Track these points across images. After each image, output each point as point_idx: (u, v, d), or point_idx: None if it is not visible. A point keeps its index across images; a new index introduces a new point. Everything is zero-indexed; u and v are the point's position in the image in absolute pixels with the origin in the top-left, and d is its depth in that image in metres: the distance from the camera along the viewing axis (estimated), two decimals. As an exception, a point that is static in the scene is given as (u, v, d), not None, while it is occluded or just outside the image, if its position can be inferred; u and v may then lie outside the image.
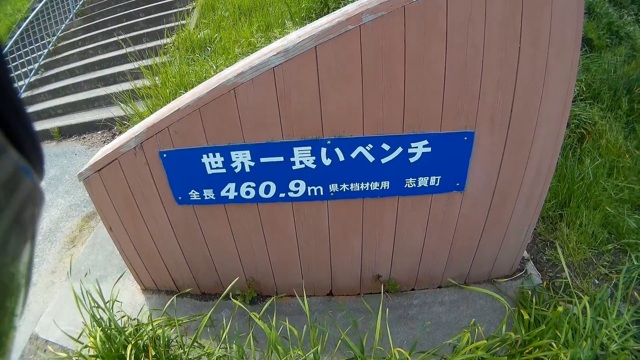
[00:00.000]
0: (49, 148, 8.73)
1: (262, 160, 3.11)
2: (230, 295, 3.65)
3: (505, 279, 4.07)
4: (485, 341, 3.12)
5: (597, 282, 4.14)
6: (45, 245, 5.84)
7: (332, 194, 3.26)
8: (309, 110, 2.89)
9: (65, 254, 5.55)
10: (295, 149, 3.04)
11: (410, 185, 3.22)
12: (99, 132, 8.55)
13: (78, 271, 4.96)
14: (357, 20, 2.58)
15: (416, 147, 3.02)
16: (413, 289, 4.06)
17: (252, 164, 3.13)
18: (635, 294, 3.81)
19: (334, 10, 6.98)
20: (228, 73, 2.93)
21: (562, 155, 4.97)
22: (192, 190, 3.36)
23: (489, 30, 2.64)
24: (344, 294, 4.04)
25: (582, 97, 6.33)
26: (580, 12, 2.71)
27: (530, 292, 3.77)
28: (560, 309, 3.24)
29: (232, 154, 3.10)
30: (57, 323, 4.23)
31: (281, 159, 3.10)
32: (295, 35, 2.80)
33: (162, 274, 4.14)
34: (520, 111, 2.95)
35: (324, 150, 3.04)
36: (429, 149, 3.04)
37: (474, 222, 3.56)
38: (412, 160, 3.08)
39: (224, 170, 3.20)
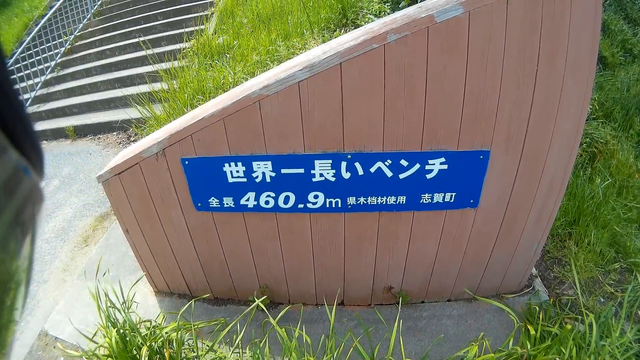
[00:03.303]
0: (63, 146, 8.80)
1: (283, 171, 3.17)
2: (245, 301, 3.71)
3: (513, 295, 4.11)
4: (493, 355, 3.18)
5: (602, 300, 4.17)
6: (57, 243, 5.87)
7: (349, 206, 3.31)
8: (331, 125, 2.95)
9: (78, 252, 5.59)
10: (316, 162, 3.10)
11: (425, 200, 3.27)
12: (114, 133, 8.60)
13: (90, 271, 4.96)
14: (382, 39, 2.64)
15: (433, 164, 3.08)
16: (423, 302, 4.11)
17: (273, 174, 3.19)
18: (639, 312, 3.84)
19: (352, 21, 7.10)
20: (253, 84, 2.99)
21: (573, 174, 5.00)
22: (212, 198, 3.42)
23: (508, 50, 2.70)
24: (355, 304, 4.09)
25: (594, 116, 6.35)
26: (597, 32, 2.78)
27: (537, 308, 3.81)
28: (568, 326, 3.29)
29: (254, 164, 3.16)
30: (67, 321, 4.29)
31: (302, 170, 3.15)
32: (320, 51, 2.85)
33: (176, 277, 4.20)
34: (535, 130, 3.00)
35: (344, 164, 3.09)
36: (445, 166, 3.09)
37: (486, 238, 3.61)
38: (428, 176, 3.14)
39: (244, 180, 3.26)
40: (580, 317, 3.69)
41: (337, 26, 7.46)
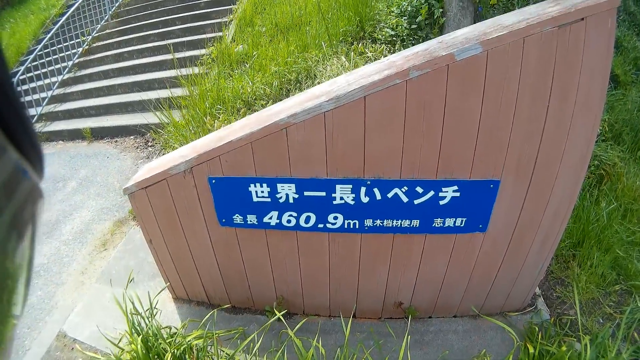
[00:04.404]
0: (80, 148, 8.92)
1: (306, 193, 3.34)
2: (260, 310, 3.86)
3: (516, 313, 4.23)
4: (494, 371, 3.33)
5: (601, 321, 4.27)
6: (75, 246, 5.98)
7: (366, 228, 3.47)
8: (353, 152, 3.11)
9: (96, 256, 5.70)
10: (337, 186, 3.27)
11: (438, 224, 3.43)
12: (132, 137, 8.67)
13: (109, 275, 5.15)
14: (404, 75, 2.79)
15: (447, 192, 3.24)
16: (430, 317, 4.25)
17: (296, 196, 3.36)
18: (636, 334, 3.93)
19: (369, 34, 7.21)
20: (280, 110, 3.17)
21: (580, 196, 5.08)
22: (236, 215, 3.58)
23: (522, 87, 2.83)
24: (366, 317, 4.23)
25: (604, 138, 6.39)
26: (607, 69, 2.89)
27: (537, 327, 3.93)
28: (563, 348, 3.43)
29: (278, 185, 3.33)
30: (86, 323, 4.46)
31: (323, 194, 3.32)
32: (345, 82, 3.02)
33: (196, 285, 4.34)
34: (543, 161, 3.14)
35: (363, 189, 3.26)
36: (457, 194, 3.25)
37: (492, 260, 3.74)
38: (441, 202, 3.30)
39: (268, 200, 3.42)
40: (578, 336, 3.80)
41: (354, 39, 7.53)
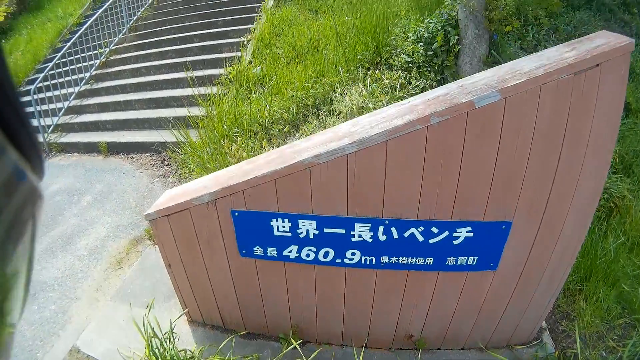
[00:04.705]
0: (95, 162, 8.99)
1: (326, 230, 3.46)
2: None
3: (523, 346, 4.30)
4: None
5: (604, 354, 4.32)
6: (90, 262, 6.04)
7: (382, 264, 3.59)
8: (373, 193, 3.24)
9: (112, 274, 5.76)
10: (357, 225, 3.39)
11: (450, 263, 3.54)
12: (148, 154, 8.73)
13: (124, 294, 5.25)
14: (426, 121, 2.92)
15: (460, 232, 3.36)
16: (439, 348, 4.33)
17: (316, 232, 3.48)
18: None
19: (386, 60, 7.33)
20: (304, 149, 3.31)
21: (588, 230, 5.01)
22: (257, 247, 3.70)
23: (537, 132, 2.95)
24: (377, 347, 4.32)
25: (614, 170, 6.40)
26: (619, 113, 3.00)
27: (541, 362, 3.99)
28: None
29: (300, 221, 3.45)
30: (100, 341, 4.54)
31: (343, 231, 3.44)
32: (368, 124, 3.17)
33: (212, 310, 4.44)
34: (554, 203, 3.25)
35: (381, 228, 3.38)
36: (471, 234, 3.37)
37: (501, 295, 3.83)
38: (455, 242, 3.42)
39: (289, 234, 3.54)
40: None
41: (371, 64, 7.68)
